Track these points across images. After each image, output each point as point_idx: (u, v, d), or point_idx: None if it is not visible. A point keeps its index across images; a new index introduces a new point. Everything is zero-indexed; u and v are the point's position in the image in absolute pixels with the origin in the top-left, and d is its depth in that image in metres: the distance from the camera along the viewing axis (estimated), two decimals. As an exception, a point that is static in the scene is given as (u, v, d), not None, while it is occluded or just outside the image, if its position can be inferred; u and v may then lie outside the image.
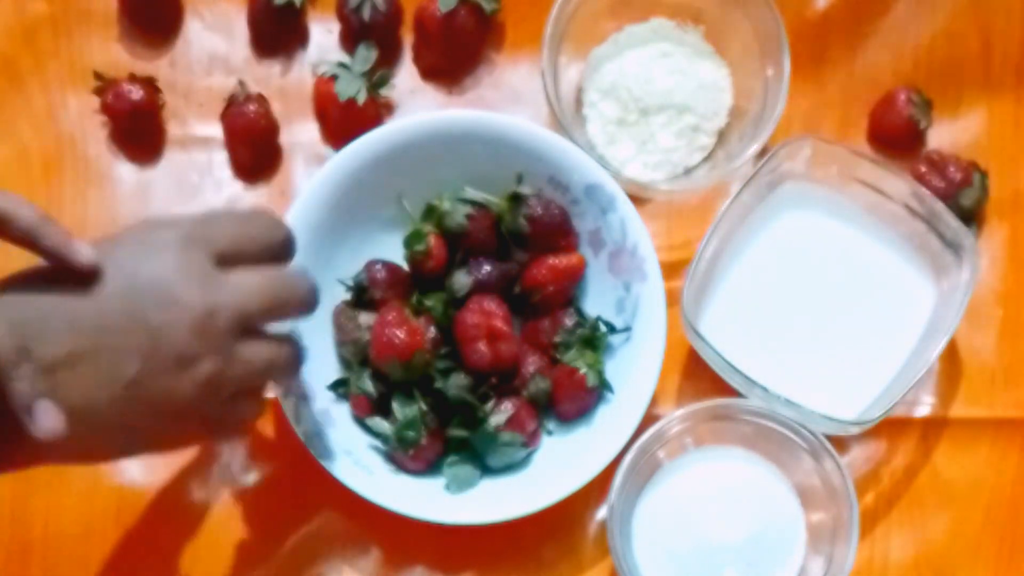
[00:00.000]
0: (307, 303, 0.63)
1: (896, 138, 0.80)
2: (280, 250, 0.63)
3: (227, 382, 0.59)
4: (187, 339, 0.57)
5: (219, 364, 0.58)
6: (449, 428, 0.72)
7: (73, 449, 0.57)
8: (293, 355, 0.63)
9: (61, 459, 0.60)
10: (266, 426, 0.75)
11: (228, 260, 0.59)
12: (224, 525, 0.74)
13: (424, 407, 0.71)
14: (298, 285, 0.62)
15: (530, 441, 0.72)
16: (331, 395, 0.73)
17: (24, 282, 0.57)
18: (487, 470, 0.72)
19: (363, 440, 0.72)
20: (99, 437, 0.58)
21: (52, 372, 0.55)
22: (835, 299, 0.75)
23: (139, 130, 0.80)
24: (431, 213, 0.73)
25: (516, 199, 0.73)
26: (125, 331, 0.56)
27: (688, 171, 0.79)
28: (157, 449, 0.63)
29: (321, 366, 0.73)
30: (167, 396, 0.57)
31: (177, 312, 0.57)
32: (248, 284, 0.59)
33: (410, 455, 0.71)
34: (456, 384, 0.71)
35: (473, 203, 0.73)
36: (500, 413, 0.71)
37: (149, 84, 0.79)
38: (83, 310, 0.56)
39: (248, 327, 0.59)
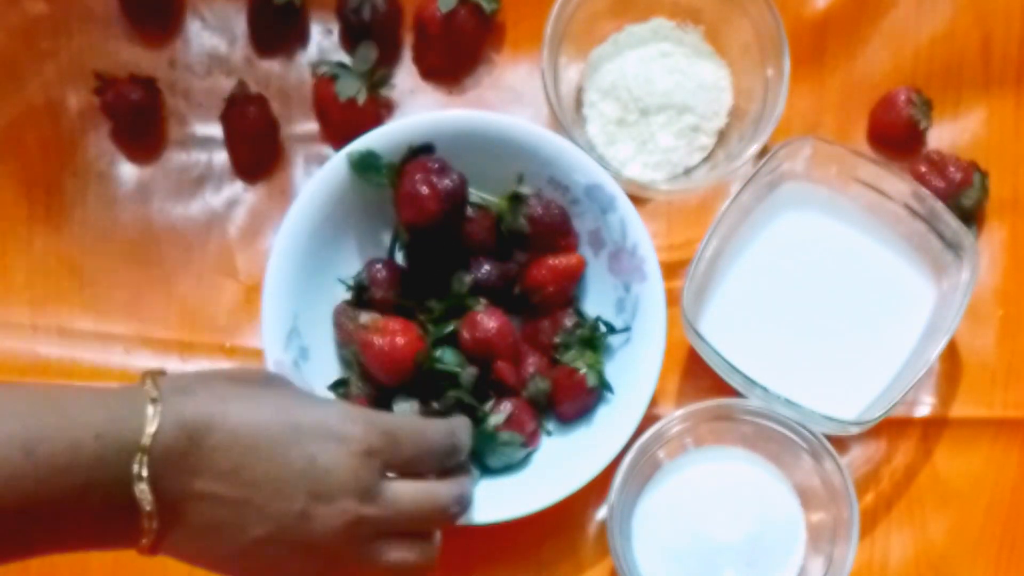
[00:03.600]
0: (452, 519, 0.64)
1: (896, 138, 0.80)
2: (449, 461, 0.65)
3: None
4: (333, 538, 0.58)
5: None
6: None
7: (206, 559, 0.58)
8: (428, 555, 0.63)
9: (189, 559, 0.59)
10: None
11: (395, 470, 0.61)
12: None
13: (424, 407, 0.71)
14: (448, 506, 0.63)
15: (529, 441, 0.72)
16: (331, 395, 0.73)
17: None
18: (486, 470, 0.72)
19: (363, 440, 0.72)
20: (238, 562, 0.58)
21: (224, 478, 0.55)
22: (835, 299, 0.75)
23: (139, 130, 0.80)
24: None
25: (516, 199, 0.73)
26: (287, 487, 0.57)
27: (688, 171, 0.79)
28: None
29: (321, 366, 0.73)
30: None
31: (330, 513, 0.57)
32: (403, 499, 0.60)
33: (410, 455, 0.71)
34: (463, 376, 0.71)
35: (473, 203, 0.73)
36: (499, 413, 0.71)
37: (149, 84, 0.79)
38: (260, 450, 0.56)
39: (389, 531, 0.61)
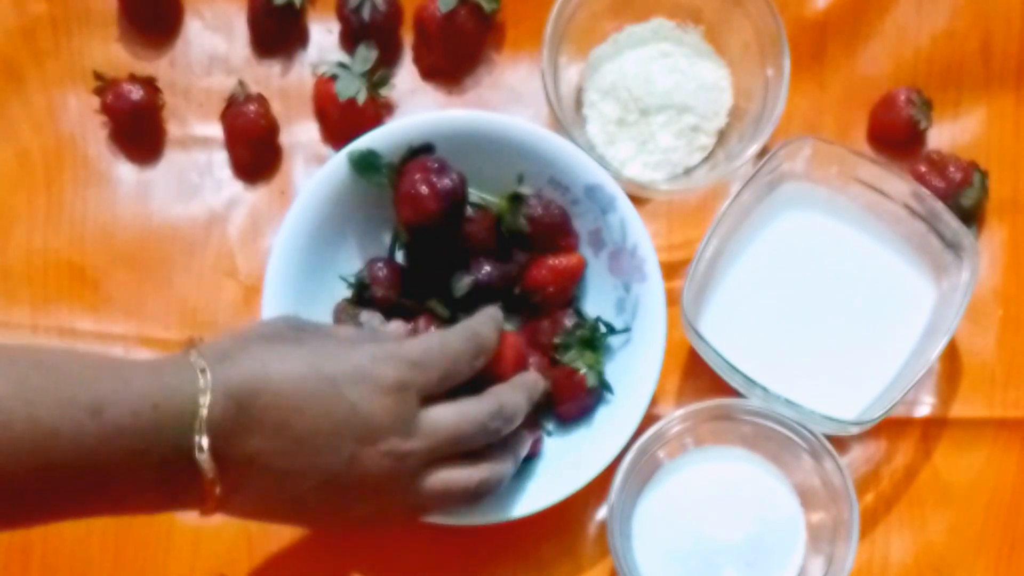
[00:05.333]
0: (496, 432, 0.65)
1: (896, 138, 0.80)
2: (478, 362, 0.66)
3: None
4: (382, 474, 0.60)
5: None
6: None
7: (262, 510, 0.61)
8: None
9: (248, 515, 0.62)
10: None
11: (433, 392, 0.63)
12: (225, 525, 0.74)
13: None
14: (486, 420, 0.64)
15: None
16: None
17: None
18: None
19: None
20: (298, 512, 0.61)
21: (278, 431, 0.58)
22: (835, 299, 0.75)
23: (139, 130, 0.80)
24: None
25: (516, 199, 0.73)
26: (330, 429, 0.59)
27: (688, 171, 0.79)
28: (352, 524, 0.65)
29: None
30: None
31: (376, 453, 0.60)
32: (442, 424, 0.62)
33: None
34: None
35: (473, 203, 0.73)
36: None
37: (149, 84, 0.79)
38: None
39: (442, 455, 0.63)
